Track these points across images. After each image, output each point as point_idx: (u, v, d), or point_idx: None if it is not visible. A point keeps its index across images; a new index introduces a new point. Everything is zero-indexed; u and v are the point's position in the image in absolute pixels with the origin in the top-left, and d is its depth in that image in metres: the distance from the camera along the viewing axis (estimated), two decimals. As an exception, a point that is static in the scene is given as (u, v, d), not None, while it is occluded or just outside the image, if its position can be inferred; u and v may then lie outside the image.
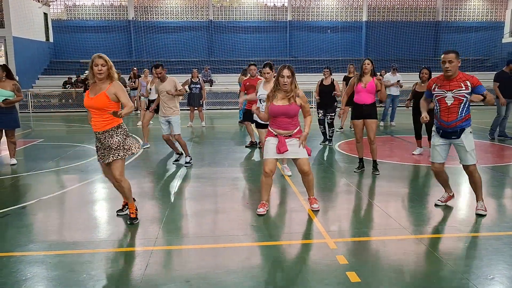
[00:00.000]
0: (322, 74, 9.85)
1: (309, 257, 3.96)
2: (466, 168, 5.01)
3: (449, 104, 4.76)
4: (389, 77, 13.35)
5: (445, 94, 4.77)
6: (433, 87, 4.89)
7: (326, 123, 9.89)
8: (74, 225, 4.79)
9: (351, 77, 10.70)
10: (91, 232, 4.58)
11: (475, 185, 5.07)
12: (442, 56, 4.76)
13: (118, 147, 4.56)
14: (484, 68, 24.88)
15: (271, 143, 4.92)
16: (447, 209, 5.33)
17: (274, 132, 4.94)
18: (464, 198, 5.83)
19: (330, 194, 6.06)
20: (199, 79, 13.33)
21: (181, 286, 3.38)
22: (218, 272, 3.60)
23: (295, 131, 4.93)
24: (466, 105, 4.78)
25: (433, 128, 5.09)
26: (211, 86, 21.18)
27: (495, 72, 11.04)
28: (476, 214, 4.98)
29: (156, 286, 3.37)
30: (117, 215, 5.03)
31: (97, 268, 3.71)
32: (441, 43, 26.94)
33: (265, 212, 5.11)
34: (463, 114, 4.78)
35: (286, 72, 4.77)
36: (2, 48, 20.23)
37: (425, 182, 6.74)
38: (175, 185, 6.50)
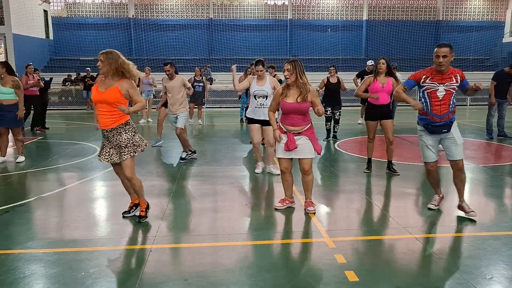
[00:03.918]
0: (328, 72, 10.19)
1: (307, 256, 3.96)
2: (455, 164, 4.87)
3: (440, 98, 4.71)
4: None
5: (437, 87, 4.70)
6: (422, 79, 4.75)
7: (333, 120, 10.23)
8: (73, 223, 4.79)
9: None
10: (90, 230, 4.58)
11: (462, 183, 4.97)
12: (435, 49, 4.63)
13: (128, 145, 4.47)
14: (484, 68, 24.89)
15: (281, 142, 4.94)
16: (446, 209, 5.33)
17: (284, 129, 4.93)
18: (464, 198, 5.83)
19: (329, 193, 6.06)
20: (202, 78, 13.39)
21: (179, 284, 3.38)
22: (216, 270, 3.60)
23: (306, 128, 4.89)
24: (455, 97, 4.78)
25: (419, 127, 4.96)
26: (211, 84, 21.18)
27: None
28: (471, 217, 4.83)
29: (154, 284, 3.37)
30: (123, 217, 4.86)
31: (96, 266, 3.70)
32: (441, 43, 26.93)
33: (283, 207, 5.19)
34: (453, 106, 4.76)
35: (286, 66, 4.78)
36: (2, 45, 20.21)
37: (425, 181, 6.72)
38: (174, 183, 6.50)
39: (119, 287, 3.38)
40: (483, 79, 21.36)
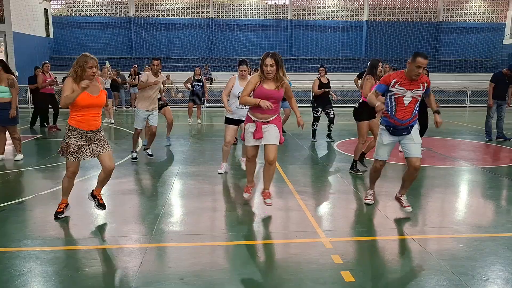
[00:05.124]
0: (318, 73, 10.26)
1: (304, 256, 3.95)
2: (413, 162, 4.82)
3: (406, 104, 4.72)
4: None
5: (404, 93, 4.70)
6: (392, 83, 4.71)
7: (328, 120, 10.22)
8: (69, 221, 4.79)
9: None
10: (86, 229, 4.57)
11: (411, 181, 5.03)
12: (420, 60, 4.54)
13: (106, 138, 4.84)
14: (484, 70, 24.88)
15: (249, 131, 4.97)
16: (443, 210, 5.33)
17: (252, 117, 4.93)
18: (461, 199, 5.83)
19: (326, 193, 6.06)
20: (201, 77, 13.37)
21: (174, 283, 3.37)
22: (212, 270, 3.59)
23: (273, 118, 4.93)
24: (418, 105, 4.82)
25: (381, 127, 4.98)
26: (210, 84, 21.20)
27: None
28: (406, 211, 5.04)
29: (150, 283, 3.36)
30: (56, 218, 4.79)
31: (91, 264, 3.70)
32: (441, 44, 26.94)
33: (251, 196, 5.35)
34: (416, 112, 4.80)
35: (268, 61, 4.72)
36: (2, 43, 20.20)
37: (421, 182, 6.73)
38: (171, 182, 6.49)
39: (114, 286, 3.38)
40: (483, 81, 21.43)
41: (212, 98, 19.62)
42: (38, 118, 12.41)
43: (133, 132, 8.13)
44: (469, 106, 21.22)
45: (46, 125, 12.20)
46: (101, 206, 4.96)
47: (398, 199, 5.18)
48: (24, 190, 6.21)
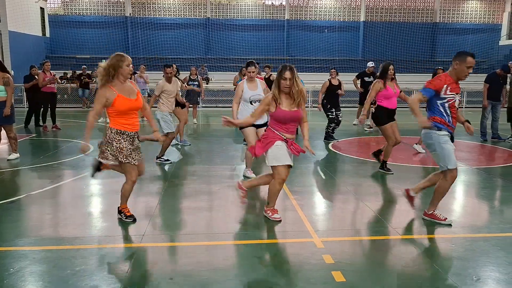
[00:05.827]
0: (329, 74, 10.30)
1: (295, 255, 3.93)
2: (455, 172, 4.59)
3: (457, 107, 4.53)
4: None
5: (455, 98, 4.48)
6: (444, 89, 4.40)
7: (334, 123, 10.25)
8: (61, 220, 4.76)
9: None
10: (77, 228, 4.54)
11: (443, 194, 4.77)
12: (471, 60, 4.35)
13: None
14: (480, 70, 24.85)
15: (283, 149, 4.53)
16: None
17: (283, 136, 4.56)
18: (455, 199, 5.83)
19: (320, 194, 6.05)
20: (197, 77, 13.33)
21: (163, 283, 3.35)
22: (202, 269, 3.58)
23: (294, 136, 4.76)
24: None
25: (443, 133, 4.53)
26: (207, 83, 21.17)
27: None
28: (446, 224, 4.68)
29: (139, 283, 3.35)
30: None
31: (81, 264, 3.67)
32: (438, 45, 27.00)
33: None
34: None
35: (288, 75, 4.41)
36: (-2, 42, 20.14)
37: (417, 183, 6.72)
38: (165, 182, 6.47)
39: (103, 286, 3.35)
40: (479, 82, 21.43)
41: (208, 98, 19.60)
42: (33, 117, 12.36)
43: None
44: (465, 107, 21.23)
45: (41, 124, 12.14)
46: (130, 217, 4.68)
47: (431, 215, 4.75)
48: (16, 189, 6.17)
